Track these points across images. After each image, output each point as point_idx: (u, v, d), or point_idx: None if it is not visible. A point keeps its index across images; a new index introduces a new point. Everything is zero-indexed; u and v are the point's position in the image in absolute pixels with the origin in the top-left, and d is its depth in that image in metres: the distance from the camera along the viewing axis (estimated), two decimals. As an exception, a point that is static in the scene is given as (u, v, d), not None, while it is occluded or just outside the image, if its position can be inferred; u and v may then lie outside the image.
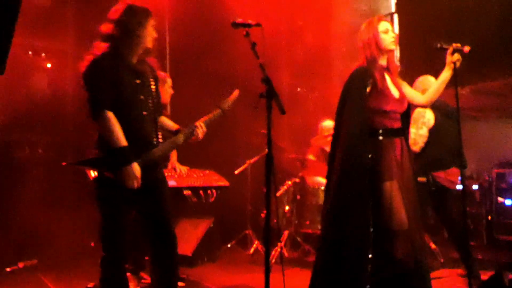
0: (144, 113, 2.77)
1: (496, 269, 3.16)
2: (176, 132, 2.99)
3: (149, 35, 2.81)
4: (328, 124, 5.76)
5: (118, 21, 2.74)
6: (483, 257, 4.98)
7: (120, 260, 2.79)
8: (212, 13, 5.69)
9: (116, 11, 2.77)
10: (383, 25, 3.18)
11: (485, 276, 3.64)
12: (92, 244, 2.76)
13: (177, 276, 2.98)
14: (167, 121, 3.05)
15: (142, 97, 2.78)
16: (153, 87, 2.89)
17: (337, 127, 3.22)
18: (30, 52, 5.20)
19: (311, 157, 5.68)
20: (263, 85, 2.53)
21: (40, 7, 4.92)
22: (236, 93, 3.10)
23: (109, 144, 2.64)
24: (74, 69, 5.26)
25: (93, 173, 3.48)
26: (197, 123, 2.98)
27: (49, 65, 5.35)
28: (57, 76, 5.36)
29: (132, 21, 2.74)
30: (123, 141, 2.63)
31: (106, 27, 2.77)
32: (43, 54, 5.30)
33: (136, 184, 2.67)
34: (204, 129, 2.99)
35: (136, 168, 2.66)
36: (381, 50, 3.17)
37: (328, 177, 3.23)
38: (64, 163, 3.45)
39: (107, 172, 2.69)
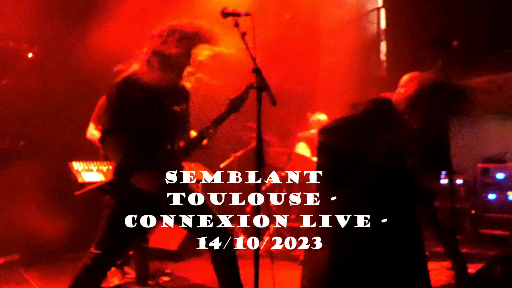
0: (161, 133, 2.72)
1: (486, 262, 3.17)
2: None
3: (185, 60, 2.72)
4: (319, 117, 5.73)
5: (156, 42, 2.66)
6: (468, 251, 5.03)
7: (106, 270, 2.75)
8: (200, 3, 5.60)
9: (156, 32, 2.69)
10: None
11: (471, 269, 3.67)
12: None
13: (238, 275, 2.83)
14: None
15: (162, 118, 2.71)
16: (181, 109, 2.82)
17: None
18: (11, 42, 5.05)
19: (297, 150, 5.65)
20: (253, 76, 2.48)
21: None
22: None
23: (116, 161, 2.65)
24: (59, 59, 5.20)
25: (80, 178, 3.43)
26: None
27: (30, 55, 5.21)
28: (41, 66, 5.23)
29: (171, 45, 2.64)
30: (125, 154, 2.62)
31: (144, 47, 2.70)
32: (26, 44, 5.16)
33: (152, 187, 2.59)
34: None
35: (144, 172, 2.60)
36: None
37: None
38: (76, 193, 3.38)
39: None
